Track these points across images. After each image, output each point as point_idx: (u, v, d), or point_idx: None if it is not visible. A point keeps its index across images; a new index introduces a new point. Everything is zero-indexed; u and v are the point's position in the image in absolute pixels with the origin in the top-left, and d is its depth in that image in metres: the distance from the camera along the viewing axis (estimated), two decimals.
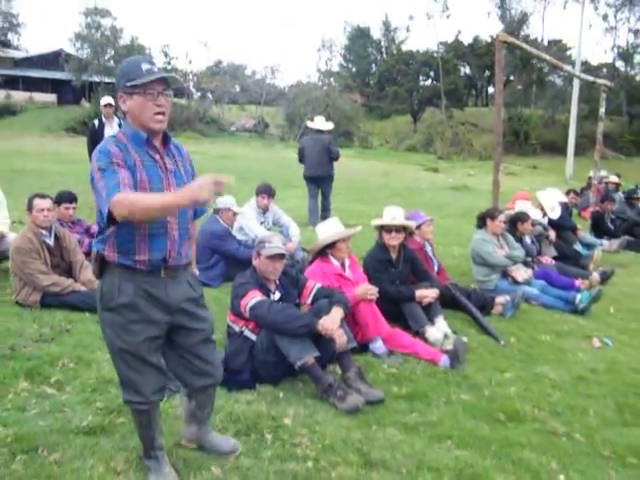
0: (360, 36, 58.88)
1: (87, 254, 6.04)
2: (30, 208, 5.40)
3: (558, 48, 46.55)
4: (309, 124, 11.06)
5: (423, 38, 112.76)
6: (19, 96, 47.58)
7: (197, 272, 3.33)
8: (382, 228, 5.55)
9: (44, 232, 5.44)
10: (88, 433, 3.26)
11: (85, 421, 3.34)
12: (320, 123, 10.62)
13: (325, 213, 10.19)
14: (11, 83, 48.95)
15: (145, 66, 2.61)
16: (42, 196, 5.50)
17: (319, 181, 10.37)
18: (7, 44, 63.35)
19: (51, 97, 48.76)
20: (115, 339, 2.69)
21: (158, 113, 2.62)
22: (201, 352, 2.91)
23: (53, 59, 49.63)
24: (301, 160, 10.62)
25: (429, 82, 54.04)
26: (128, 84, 2.59)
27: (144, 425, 2.89)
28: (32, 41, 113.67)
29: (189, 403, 3.15)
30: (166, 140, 2.75)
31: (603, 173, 14.09)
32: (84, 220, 6.70)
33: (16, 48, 63.68)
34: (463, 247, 8.28)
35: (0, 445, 3.07)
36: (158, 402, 2.92)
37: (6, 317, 4.95)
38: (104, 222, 2.50)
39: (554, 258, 8.27)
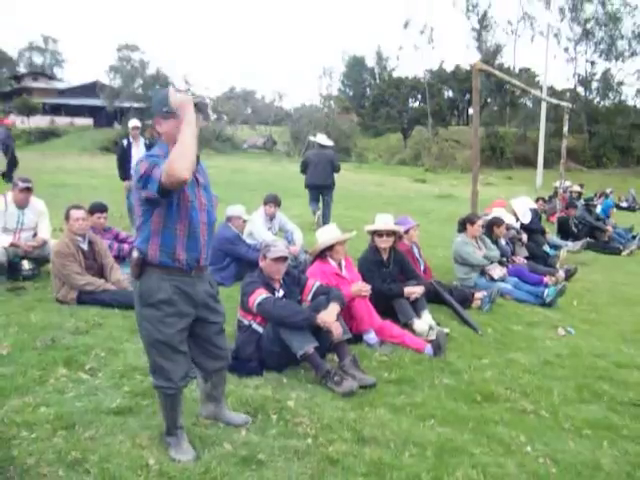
0: (356, 64, 58.85)
1: (116, 257, 6.06)
2: (67, 217, 5.43)
3: (528, 75, 46.57)
4: (313, 138, 11.05)
5: (411, 66, 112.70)
6: (61, 121, 48.62)
7: None
8: (374, 233, 5.55)
9: (79, 238, 5.45)
10: (117, 413, 3.29)
11: (115, 403, 3.37)
12: (323, 139, 10.70)
13: (326, 218, 10.19)
14: (55, 110, 50.07)
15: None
16: (77, 207, 5.53)
17: (322, 189, 10.37)
18: (53, 77, 64.57)
19: (88, 121, 49.30)
20: (153, 331, 2.76)
21: None
22: (216, 341, 3.02)
23: (90, 88, 50.20)
24: (303, 171, 10.59)
25: (417, 104, 53.96)
26: (164, 109, 2.68)
27: (169, 407, 2.95)
28: (73, 73, 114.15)
29: (205, 385, 3.23)
30: (196, 160, 2.73)
31: (567, 183, 14.10)
32: (114, 227, 6.71)
33: (60, 80, 64.58)
34: (447, 249, 8.27)
35: (43, 422, 3.11)
36: (183, 387, 2.96)
37: (47, 312, 4.96)
38: (155, 190, 2.53)
39: (526, 258, 8.26)
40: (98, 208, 6.24)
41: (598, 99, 46.27)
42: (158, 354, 2.80)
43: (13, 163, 14.74)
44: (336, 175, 10.42)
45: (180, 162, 2.46)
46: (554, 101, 12.42)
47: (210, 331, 2.97)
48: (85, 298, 5.26)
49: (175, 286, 2.74)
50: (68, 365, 3.87)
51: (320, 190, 10.39)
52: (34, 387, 3.55)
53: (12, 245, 5.86)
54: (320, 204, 10.46)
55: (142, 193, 2.61)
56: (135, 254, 2.73)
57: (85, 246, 5.49)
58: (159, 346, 2.77)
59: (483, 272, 6.79)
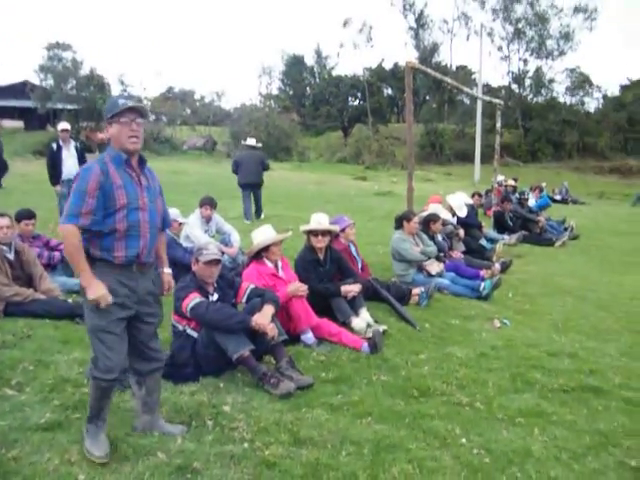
0: (296, 63, 58.74)
1: (47, 266, 5.84)
2: None
3: (464, 72, 47.68)
4: (244, 143, 12.48)
5: (351, 64, 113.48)
6: None
7: (169, 271, 3.34)
8: (310, 232, 5.56)
9: (4, 247, 5.24)
10: (45, 429, 3.17)
11: (43, 418, 3.25)
12: (253, 142, 12.21)
13: (259, 212, 11.66)
14: None
15: (121, 101, 2.93)
16: (1, 214, 5.31)
17: (253, 187, 11.48)
18: None
19: (19, 123, 47.07)
20: (94, 318, 2.89)
21: (132, 136, 2.91)
22: (150, 342, 3.11)
23: (19, 89, 47.93)
24: (235, 171, 11.65)
25: (357, 102, 54.31)
26: (109, 115, 2.93)
27: (98, 398, 3.01)
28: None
29: (139, 391, 3.20)
30: (141, 162, 3.04)
31: (501, 177, 14.52)
32: (43, 235, 6.45)
33: None
34: (386, 246, 8.34)
35: None
36: (115, 382, 3.02)
37: None
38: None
39: (463, 252, 8.46)
40: (25, 215, 6.01)
41: (531, 96, 47.81)
42: (100, 342, 2.91)
43: (3, 168, 14.37)
44: (265, 173, 11.69)
45: (65, 242, 2.86)
46: (487, 99, 12.81)
47: (145, 332, 3.07)
48: (13, 309, 5.03)
49: (117, 279, 2.91)
50: None
51: (252, 188, 11.48)
52: None
53: None
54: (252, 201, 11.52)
55: None
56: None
57: (11, 255, 5.27)
58: (101, 334, 2.90)
59: (421, 268, 6.91)
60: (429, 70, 8.50)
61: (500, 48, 47.32)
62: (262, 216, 11.80)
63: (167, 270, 3.31)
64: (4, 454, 2.90)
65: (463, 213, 9.28)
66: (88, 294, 2.81)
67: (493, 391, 4.18)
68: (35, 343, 4.45)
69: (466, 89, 10.86)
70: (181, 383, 3.85)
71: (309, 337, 4.73)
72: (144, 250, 2.97)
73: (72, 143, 9.30)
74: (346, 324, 5.14)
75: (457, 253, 8.24)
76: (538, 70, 46.58)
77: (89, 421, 3.05)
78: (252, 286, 4.37)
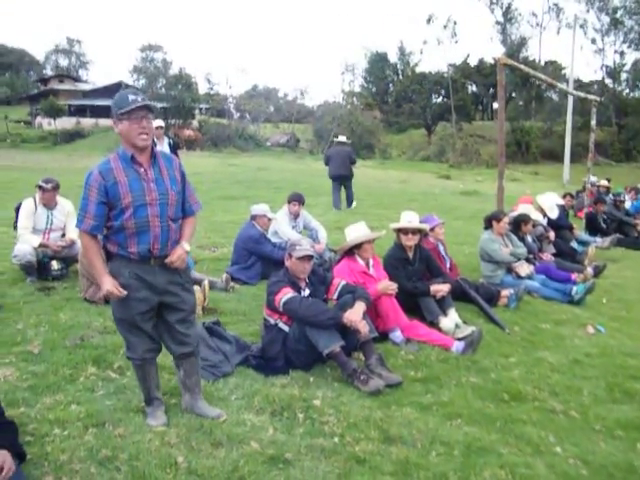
0: (379, 60, 58.51)
1: None
2: None
3: (554, 68, 45.82)
4: (335, 139, 14.14)
5: (434, 61, 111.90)
6: (87, 122, 49.43)
7: (186, 247, 3.17)
8: (400, 230, 5.53)
9: None
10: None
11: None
12: (343, 138, 13.88)
13: (349, 202, 12.99)
14: (80, 111, 51.16)
15: (131, 97, 2.93)
16: None
17: (342, 179, 12.85)
18: (78, 79, 65.65)
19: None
20: (116, 310, 3.13)
21: (142, 133, 2.94)
22: (180, 327, 3.21)
23: (114, 89, 50.37)
24: (327, 163, 13.17)
25: (440, 99, 53.45)
26: (119, 112, 2.93)
27: (140, 378, 3.27)
28: (97, 74, 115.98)
29: (179, 372, 3.37)
30: (153, 156, 3.08)
31: (594, 178, 13.83)
32: None
33: (85, 82, 65.66)
34: (473, 246, 8.20)
35: (75, 420, 3.19)
36: (150, 360, 3.24)
37: (76, 312, 5.04)
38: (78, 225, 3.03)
39: (553, 255, 8.15)
40: None
41: (627, 91, 45.30)
42: (123, 329, 3.17)
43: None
44: (353, 166, 12.97)
45: (82, 244, 3.15)
46: (581, 94, 12.21)
47: (175, 317, 3.18)
48: None
49: (134, 273, 3.03)
50: (97, 364, 3.95)
51: (340, 180, 12.85)
52: (65, 385, 3.63)
53: (41, 245, 5.96)
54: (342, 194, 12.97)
55: None
56: (101, 244, 3.12)
57: None
58: (122, 323, 3.13)
59: (510, 269, 6.73)
60: (521, 65, 8.23)
61: (594, 40, 45.24)
62: (353, 206, 13.07)
63: (184, 245, 3.15)
64: (112, 431, 3.10)
65: (554, 214, 8.93)
66: (102, 289, 2.99)
67: (588, 400, 4.01)
68: None
69: (559, 85, 10.41)
70: (271, 375, 3.93)
71: (397, 335, 4.71)
72: (155, 244, 3.02)
73: (165, 140, 9.61)
74: (434, 324, 5.08)
75: (547, 255, 7.94)
76: (637, 63, 43.99)
77: (146, 404, 3.31)
78: (344, 282, 4.40)
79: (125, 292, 2.97)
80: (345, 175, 12.76)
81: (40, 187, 6.06)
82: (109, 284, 2.95)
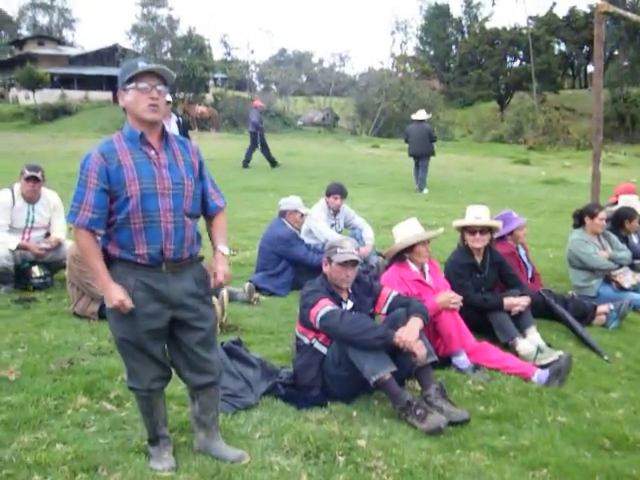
0: (438, 15, 58.43)
1: None
2: None
3: None
4: (413, 117, 16.44)
5: (511, 13, 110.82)
6: (74, 95, 49.43)
7: (225, 250, 3.34)
8: (465, 229, 5.51)
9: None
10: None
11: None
12: (420, 115, 16.00)
13: (421, 187, 15.47)
14: (66, 82, 51.19)
15: (141, 64, 3.00)
16: None
17: (421, 157, 15.52)
18: (62, 42, 66.02)
19: (107, 95, 50.14)
20: (117, 329, 3.11)
21: (151, 105, 2.98)
22: (200, 351, 3.21)
23: (109, 55, 51.25)
24: (406, 141, 16.00)
25: (517, 63, 53.07)
26: (125, 79, 2.98)
27: (145, 411, 3.30)
28: (87, 37, 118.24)
29: (193, 405, 3.40)
30: (165, 137, 3.12)
31: None
32: None
33: (71, 45, 66.24)
34: (559, 249, 8.11)
35: (60, 463, 3.22)
36: (158, 391, 3.28)
37: (64, 329, 5.16)
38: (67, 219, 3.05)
39: None
40: None
41: None
42: (125, 353, 3.16)
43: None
44: (434, 144, 15.71)
45: (79, 245, 3.08)
46: None
47: (193, 338, 3.18)
48: None
49: (142, 282, 3.02)
50: (89, 393, 4.02)
51: (418, 157, 15.58)
52: (48, 420, 3.69)
53: (20, 248, 6.07)
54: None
55: None
56: (101, 246, 3.11)
57: None
58: (125, 345, 3.12)
59: (609, 279, 6.64)
60: (629, 13, 8.07)
61: None
62: (425, 192, 15.31)
63: (222, 249, 3.29)
64: (106, 477, 3.15)
65: None
66: (106, 301, 2.98)
67: None
68: None
69: None
70: (305, 408, 3.96)
71: (463, 360, 4.70)
72: (168, 244, 3.02)
73: (173, 117, 9.78)
74: (509, 346, 5.06)
75: None
76: None
77: (151, 444, 3.34)
78: (395, 293, 4.41)
79: (131, 305, 2.97)
80: (425, 153, 15.42)
81: (28, 176, 6.10)
82: (118, 293, 2.93)
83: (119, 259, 3.03)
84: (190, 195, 3.11)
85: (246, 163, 18.87)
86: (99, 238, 3.07)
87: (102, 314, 5.40)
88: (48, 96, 46.97)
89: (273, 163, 19.11)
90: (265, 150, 19.04)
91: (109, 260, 3.05)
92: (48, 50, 56.72)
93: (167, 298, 3.06)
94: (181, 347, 3.20)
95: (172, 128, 9.65)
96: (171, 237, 3.03)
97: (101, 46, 55.08)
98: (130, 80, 2.95)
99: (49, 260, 6.23)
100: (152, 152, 3.03)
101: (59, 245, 6.23)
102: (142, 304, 3.01)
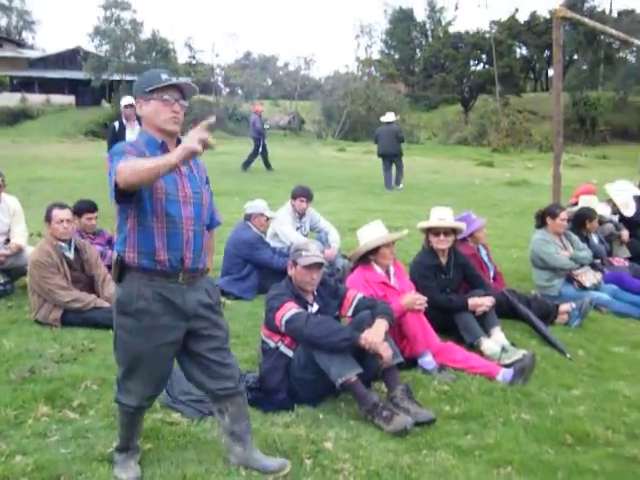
0: (402, 19, 58.74)
1: (110, 267, 6.15)
2: (49, 219, 5.51)
3: (631, 19, 45.69)
4: (382, 119, 17.40)
5: (473, 18, 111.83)
6: (35, 99, 48.55)
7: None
8: (429, 231, 5.54)
9: (63, 245, 5.55)
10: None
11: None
12: (388, 117, 17.03)
13: (398, 179, 16.75)
14: (27, 85, 50.23)
15: (164, 76, 3.00)
16: (61, 206, 5.60)
17: (391, 157, 16.63)
18: (22, 44, 64.80)
19: (69, 99, 49.53)
20: (129, 342, 3.02)
21: (173, 117, 2.99)
22: (217, 357, 3.18)
23: (70, 58, 50.51)
24: (376, 142, 17.13)
25: (481, 67, 53.59)
26: (147, 89, 2.96)
27: (126, 425, 3.26)
28: (48, 39, 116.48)
29: (223, 420, 3.32)
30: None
31: None
32: (106, 231, 6.82)
33: (31, 47, 65.08)
34: (522, 249, 8.21)
35: (19, 474, 3.16)
36: (146, 408, 3.30)
37: (25, 337, 5.08)
38: (112, 197, 2.78)
39: (628, 259, 8.11)
40: (87, 207, 6.34)
41: None
42: (127, 368, 3.08)
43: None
44: (401, 145, 16.85)
45: (127, 175, 2.63)
46: None
47: (208, 346, 3.14)
48: (72, 318, 5.38)
49: (158, 294, 2.96)
50: (51, 401, 3.96)
51: (389, 157, 16.66)
52: (7, 430, 3.63)
53: None
54: (393, 171, 16.75)
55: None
56: (115, 255, 3.01)
57: (71, 254, 5.60)
58: (132, 360, 3.05)
59: (570, 278, 6.72)
60: (585, 19, 8.21)
61: None
62: (401, 186, 16.62)
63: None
64: None
65: (631, 210, 8.88)
66: (187, 149, 2.56)
67: None
68: (98, 358, 4.73)
69: (637, 41, 10.31)
70: (272, 412, 3.96)
71: (428, 361, 4.73)
72: (188, 252, 3.00)
73: (137, 122, 9.72)
74: (474, 346, 5.10)
75: (620, 260, 7.92)
76: None
77: (118, 450, 3.31)
78: (360, 296, 4.42)
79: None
80: (393, 153, 16.56)
81: None
82: (190, 138, 2.57)
83: (136, 269, 2.95)
84: (206, 206, 3.14)
85: (246, 166, 19.47)
86: (116, 244, 3.02)
87: (65, 320, 5.36)
88: (8, 100, 46.15)
89: (268, 166, 19.78)
90: (265, 153, 19.71)
91: (124, 271, 2.97)
92: (7, 52, 55.50)
93: (183, 309, 3.02)
94: (196, 357, 3.16)
95: (135, 132, 9.56)
96: (191, 245, 3.02)
97: (63, 49, 54.21)
98: (152, 91, 2.94)
99: (9, 267, 6.15)
100: None
101: (19, 251, 6.16)
102: (160, 316, 2.97)
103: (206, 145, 2.57)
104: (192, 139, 2.55)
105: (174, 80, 2.98)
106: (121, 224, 2.98)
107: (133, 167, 2.63)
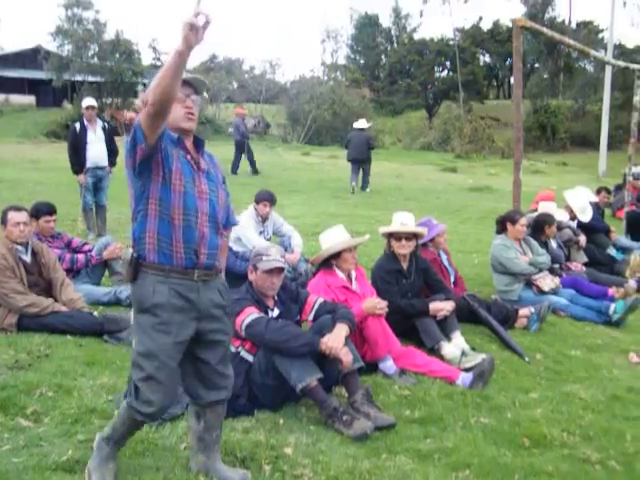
0: (368, 24, 58.92)
1: (68, 270, 6.06)
2: (4, 222, 5.42)
3: (588, 31, 46.43)
4: (355, 125, 18.18)
5: (438, 25, 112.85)
6: None
7: None
8: (391, 236, 5.57)
9: (20, 248, 5.45)
10: (67, 470, 3.24)
11: (64, 456, 3.33)
12: (360, 124, 17.84)
13: (364, 185, 17.23)
14: None
15: None
16: (17, 209, 5.51)
17: (360, 162, 17.08)
18: None
19: (29, 99, 48.61)
20: (146, 341, 2.92)
21: (187, 113, 2.99)
22: (219, 366, 3.14)
23: (30, 57, 49.45)
24: (346, 146, 17.74)
25: (445, 73, 54.01)
26: None
27: (127, 427, 3.14)
28: (6, 38, 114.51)
29: (197, 425, 3.26)
30: (198, 144, 3.10)
31: (637, 169, 13.97)
32: (64, 234, 6.71)
33: None
34: (484, 254, 8.28)
35: None
36: (156, 417, 3.14)
37: None
38: (142, 142, 2.76)
39: (585, 264, 8.24)
40: (45, 210, 6.24)
41: None
42: (148, 374, 2.91)
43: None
44: (371, 151, 17.43)
45: (152, 93, 2.63)
46: (621, 64, 12.34)
47: (213, 353, 3.10)
48: (28, 323, 5.27)
49: (175, 290, 2.92)
50: (4, 409, 3.87)
51: (359, 163, 17.09)
52: None
53: None
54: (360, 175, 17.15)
55: (137, 152, 2.80)
56: (129, 252, 2.97)
57: (27, 257, 5.50)
58: (149, 359, 2.90)
59: (529, 283, 6.80)
60: (544, 29, 8.35)
61: None
62: (367, 190, 17.05)
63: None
64: None
65: (587, 216, 9.03)
66: (180, 42, 2.52)
67: (633, 447, 3.99)
68: (54, 364, 4.63)
69: (593, 52, 10.52)
70: (231, 417, 3.91)
71: (389, 365, 4.74)
72: (202, 248, 2.98)
73: (99, 123, 9.60)
74: (435, 351, 5.13)
75: (577, 265, 8.05)
76: None
77: (105, 441, 3.17)
78: (321, 300, 4.43)
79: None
80: (363, 159, 17.07)
81: None
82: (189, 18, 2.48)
83: (151, 265, 2.93)
84: (223, 205, 3.15)
85: (235, 170, 19.42)
86: (133, 231, 2.98)
87: (20, 326, 5.26)
88: None
89: (255, 171, 19.88)
90: (250, 155, 19.84)
91: (139, 269, 2.93)
92: None
93: (197, 308, 2.99)
94: (198, 364, 3.11)
95: (97, 134, 9.47)
96: (206, 241, 2.99)
97: (22, 48, 53.24)
98: None
99: None
100: (189, 156, 3.01)
101: None
102: (176, 312, 2.92)
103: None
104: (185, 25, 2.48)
105: (186, 76, 2.94)
106: (138, 209, 2.95)
107: (151, 86, 2.64)
